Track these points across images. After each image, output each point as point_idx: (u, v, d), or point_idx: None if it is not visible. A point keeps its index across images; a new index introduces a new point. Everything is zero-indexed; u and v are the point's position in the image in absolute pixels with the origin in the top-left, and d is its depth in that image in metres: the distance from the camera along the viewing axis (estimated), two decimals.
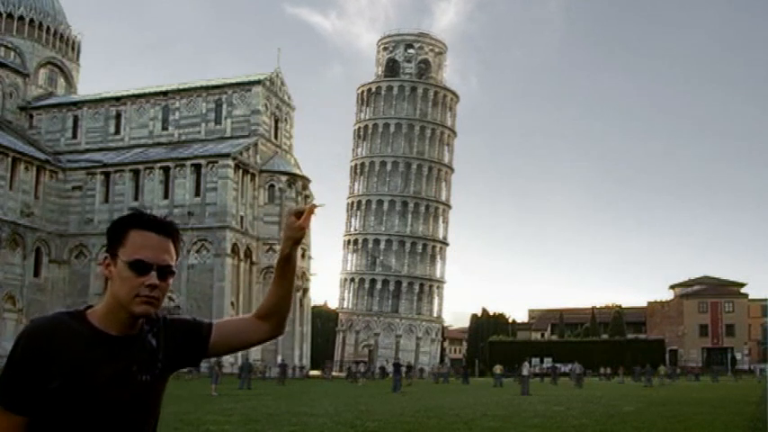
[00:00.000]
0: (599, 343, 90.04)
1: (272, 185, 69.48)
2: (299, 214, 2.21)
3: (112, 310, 2.06)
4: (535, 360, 74.87)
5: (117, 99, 74.40)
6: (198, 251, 63.59)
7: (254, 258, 67.20)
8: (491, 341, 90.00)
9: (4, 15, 76.92)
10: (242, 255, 66.01)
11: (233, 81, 71.74)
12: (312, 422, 17.18)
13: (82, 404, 1.97)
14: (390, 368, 48.79)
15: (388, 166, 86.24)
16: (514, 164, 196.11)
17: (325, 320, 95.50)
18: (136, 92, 74.47)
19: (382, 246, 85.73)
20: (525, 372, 37.68)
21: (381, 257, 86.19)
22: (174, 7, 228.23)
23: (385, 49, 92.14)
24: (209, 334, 2.22)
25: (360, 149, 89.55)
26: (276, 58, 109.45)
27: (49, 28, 79.12)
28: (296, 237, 2.21)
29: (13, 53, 76.05)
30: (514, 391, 36.23)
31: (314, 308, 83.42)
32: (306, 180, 72.08)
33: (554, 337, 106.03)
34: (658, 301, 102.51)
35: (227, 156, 65.12)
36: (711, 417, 19.70)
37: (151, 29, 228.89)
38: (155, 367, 2.11)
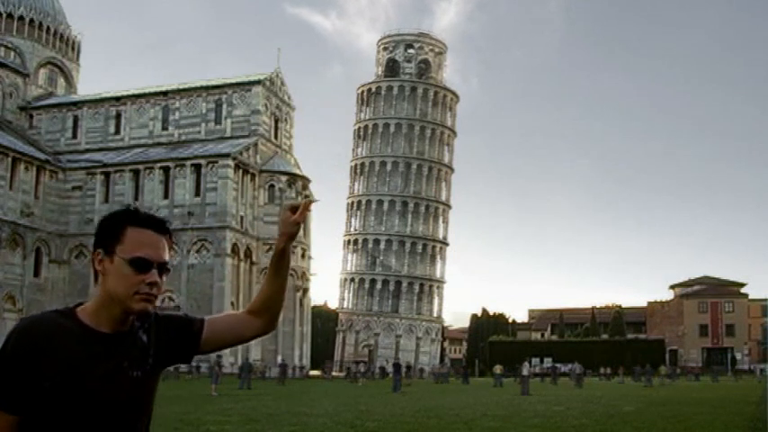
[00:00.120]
0: (599, 343, 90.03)
1: (272, 185, 69.49)
2: (294, 209, 2.22)
3: (105, 306, 2.06)
4: (535, 360, 74.85)
5: (117, 99, 74.41)
6: (198, 251, 63.61)
7: (254, 258, 67.20)
8: (491, 341, 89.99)
9: (4, 15, 76.93)
10: (242, 255, 66.02)
11: (233, 81, 71.76)
12: (312, 422, 17.18)
13: (74, 402, 1.97)
14: (390, 368, 48.79)
15: (388, 166, 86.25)
16: (514, 164, 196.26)
17: (325, 320, 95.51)
18: (136, 92, 74.48)
19: (382, 246, 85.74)
20: (525, 372, 37.67)
21: (381, 257, 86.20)
22: (174, 7, 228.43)
23: (385, 49, 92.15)
24: (201, 330, 2.21)
25: (360, 149, 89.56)
26: (276, 58, 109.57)
27: (49, 28, 79.12)
28: (291, 232, 2.21)
29: (13, 53, 76.05)
30: (514, 391, 36.23)
31: (314, 308, 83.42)
32: (306, 180, 72.09)
33: (554, 337, 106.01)
34: (658, 301, 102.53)
35: (227, 156, 65.13)
36: (711, 417, 19.70)
37: (151, 29, 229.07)
38: (146, 363, 2.09)
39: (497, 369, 48.43)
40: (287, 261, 2.24)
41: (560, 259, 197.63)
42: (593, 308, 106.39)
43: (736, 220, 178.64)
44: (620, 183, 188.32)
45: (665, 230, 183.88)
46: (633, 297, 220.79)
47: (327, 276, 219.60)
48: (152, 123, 72.57)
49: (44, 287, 65.60)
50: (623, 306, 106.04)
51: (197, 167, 65.68)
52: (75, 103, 75.79)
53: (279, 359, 59.69)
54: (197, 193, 65.21)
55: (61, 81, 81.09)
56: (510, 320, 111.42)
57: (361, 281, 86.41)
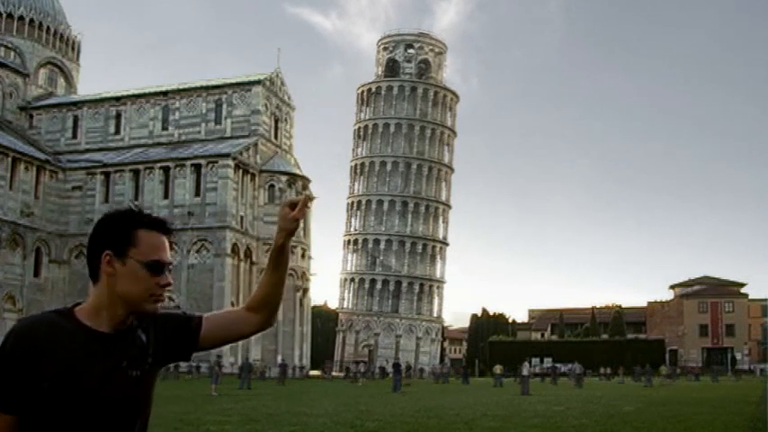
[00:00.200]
0: (599, 343, 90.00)
1: (272, 185, 69.49)
2: (293, 205, 2.22)
3: (108, 306, 2.06)
4: (535, 360, 74.80)
5: (117, 99, 74.42)
6: (198, 251, 63.62)
7: (254, 258, 67.20)
8: (491, 341, 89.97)
9: (4, 15, 76.93)
10: (242, 255, 66.03)
11: (233, 81, 71.77)
12: (312, 422, 17.18)
13: (73, 402, 1.97)
14: (390, 368, 48.79)
15: (388, 166, 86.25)
16: (514, 164, 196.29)
17: (325, 320, 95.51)
18: (136, 92, 74.49)
19: (382, 246, 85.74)
20: (525, 372, 37.65)
21: (381, 257, 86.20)
22: (174, 7, 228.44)
23: (385, 49, 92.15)
24: (199, 327, 2.21)
25: (360, 149, 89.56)
26: (276, 58, 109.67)
27: (49, 28, 79.13)
28: (290, 228, 2.21)
29: (13, 53, 76.06)
30: (514, 391, 36.22)
31: (314, 308, 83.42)
32: (306, 180, 72.08)
33: (554, 337, 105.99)
34: (658, 301, 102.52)
35: (227, 156, 65.14)
36: (711, 417, 19.70)
37: (151, 29, 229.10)
38: (145, 362, 2.10)
39: (497, 369, 48.41)
40: (286, 257, 2.25)
41: (560, 259, 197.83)
42: (593, 308, 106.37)
43: (736, 220, 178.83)
44: (620, 183, 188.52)
45: (665, 230, 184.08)
46: (633, 297, 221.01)
47: (327, 276, 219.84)
48: (152, 123, 72.58)
49: (44, 287, 65.61)
50: (623, 306, 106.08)
51: (197, 167, 65.69)
52: (75, 103, 75.80)
53: (279, 359, 59.72)
54: (197, 193, 65.22)
55: (61, 81, 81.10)
56: (510, 320, 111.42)
57: (361, 281, 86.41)
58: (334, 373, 67.45)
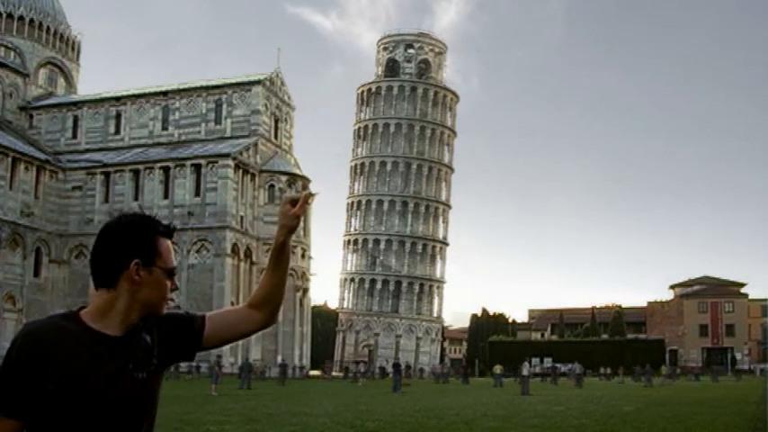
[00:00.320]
0: (599, 343, 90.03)
1: (272, 185, 69.48)
2: (294, 202, 2.23)
3: (123, 311, 2.07)
4: (535, 360, 74.82)
5: (117, 99, 74.41)
6: (198, 251, 63.61)
7: (254, 258, 67.19)
8: (491, 341, 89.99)
9: (4, 15, 76.92)
10: (242, 255, 66.02)
11: (233, 81, 71.76)
12: (312, 422, 17.17)
13: (79, 405, 1.97)
14: (390, 368, 48.79)
15: (388, 166, 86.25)
16: (514, 164, 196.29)
17: (325, 320, 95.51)
18: (136, 92, 74.48)
19: (382, 246, 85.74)
20: (525, 372, 37.65)
21: (381, 257, 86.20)
22: (174, 7, 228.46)
23: (385, 49, 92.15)
24: (203, 327, 2.22)
25: (360, 149, 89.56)
26: (276, 58, 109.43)
27: (49, 28, 79.11)
28: (291, 225, 2.22)
29: (13, 53, 76.05)
30: (514, 391, 36.22)
31: (314, 308, 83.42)
32: (306, 180, 72.05)
33: (554, 337, 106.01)
34: (658, 301, 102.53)
35: (227, 156, 65.13)
36: (711, 417, 19.70)
37: (151, 29, 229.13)
38: (150, 364, 2.10)
39: (497, 369, 48.40)
40: (287, 254, 2.25)
41: (560, 259, 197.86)
42: (593, 308, 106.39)
43: (736, 220, 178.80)
44: (621, 183, 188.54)
45: (666, 230, 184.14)
46: (633, 297, 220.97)
47: (327, 276, 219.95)
48: (152, 123, 72.57)
49: (44, 287, 65.57)
50: (623, 306, 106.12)
51: (197, 167, 65.68)
52: (75, 103, 75.78)
53: (279, 359, 59.71)
54: (197, 193, 65.20)
55: (61, 81, 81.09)
56: (510, 320, 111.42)
57: (361, 281, 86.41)
58: (334, 373, 67.44)
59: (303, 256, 71.00)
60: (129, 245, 2.07)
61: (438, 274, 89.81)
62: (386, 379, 56.71)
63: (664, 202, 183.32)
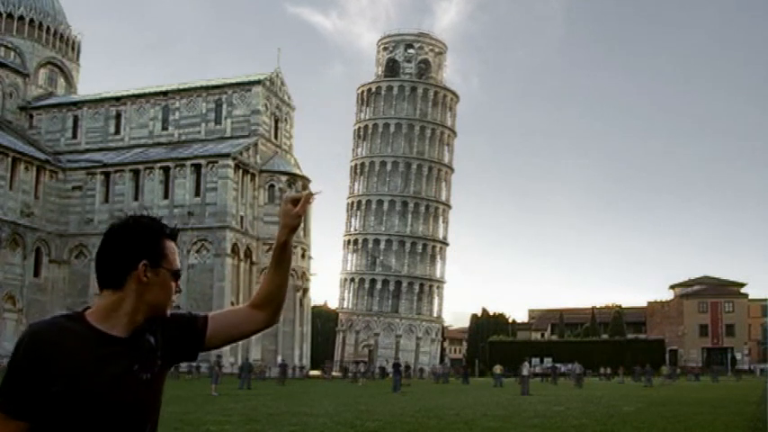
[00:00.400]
0: (599, 343, 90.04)
1: (272, 185, 69.48)
2: (295, 201, 2.24)
3: (130, 313, 2.08)
4: (535, 360, 74.82)
5: (117, 99, 74.41)
6: (198, 251, 63.60)
7: (254, 258, 67.20)
8: (491, 341, 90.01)
9: (4, 15, 76.92)
10: (242, 255, 66.02)
11: (233, 81, 71.75)
12: (312, 422, 17.17)
13: (85, 406, 1.97)
14: (390, 368, 48.79)
15: (388, 166, 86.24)
16: (515, 164, 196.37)
17: (325, 320, 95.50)
18: (136, 92, 74.48)
19: (382, 246, 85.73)
20: (525, 372, 37.65)
21: (381, 257, 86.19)
22: (174, 7, 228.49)
23: (385, 49, 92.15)
24: (205, 327, 2.22)
25: (360, 149, 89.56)
26: (276, 58, 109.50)
27: (49, 28, 79.12)
28: (293, 224, 2.23)
29: (13, 53, 76.05)
30: (514, 391, 36.23)
31: (314, 308, 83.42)
32: (306, 180, 72.03)
33: (554, 337, 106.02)
34: (658, 301, 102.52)
35: (227, 156, 65.12)
36: (711, 417, 19.70)
37: (151, 29, 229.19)
38: (154, 365, 2.11)
39: (497, 369, 48.40)
40: (289, 254, 2.26)
41: (560, 259, 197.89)
42: (593, 308, 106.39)
43: (736, 220, 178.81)
44: (621, 183, 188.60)
45: (665, 230, 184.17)
46: (633, 297, 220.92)
47: (327, 276, 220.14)
48: (152, 123, 72.57)
49: (44, 287, 65.55)
50: (623, 306, 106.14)
51: (197, 167, 65.67)
52: (75, 103, 75.78)
53: (279, 359, 59.70)
54: (197, 193, 65.20)
55: (61, 81, 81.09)
56: (510, 320, 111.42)
57: (361, 281, 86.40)
58: (334, 373, 67.44)
59: (303, 256, 71.00)
60: (138, 246, 2.09)
61: (438, 274, 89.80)
62: (386, 379, 56.71)
63: (664, 202, 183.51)
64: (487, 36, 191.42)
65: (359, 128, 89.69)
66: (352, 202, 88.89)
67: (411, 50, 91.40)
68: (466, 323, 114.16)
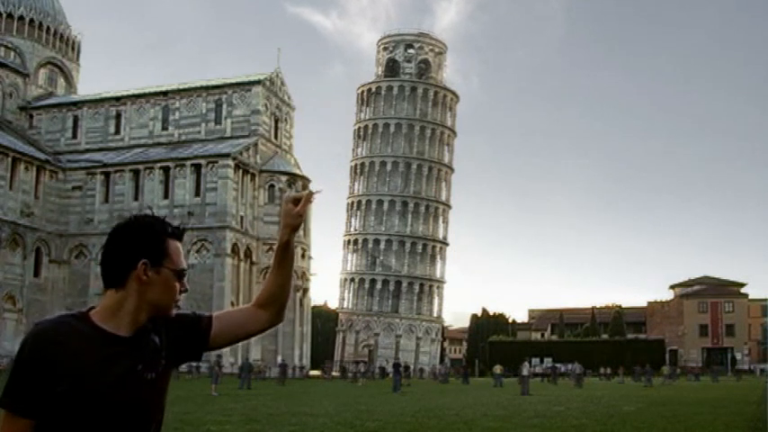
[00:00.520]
0: (599, 343, 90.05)
1: (272, 185, 69.49)
2: (296, 201, 2.24)
3: (132, 312, 2.08)
4: (535, 360, 74.82)
5: (117, 99, 74.40)
6: (198, 251, 63.58)
7: (254, 258, 67.20)
8: (491, 341, 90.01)
9: (4, 15, 76.92)
10: (242, 255, 66.02)
11: (233, 81, 71.75)
12: (312, 422, 17.17)
13: (89, 406, 1.98)
14: (390, 368, 48.80)
15: (388, 166, 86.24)
16: (515, 164, 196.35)
17: (325, 320, 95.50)
18: (136, 92, 74.48)
19: (382, 246, 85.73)
20: (525, 372, 37.65)
21: (381, 257, 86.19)
22: (174, 7, 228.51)
23: (385, 49, 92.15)
24: (210, 327, 2.23)
25: (360, 149, 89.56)
26: (276, 58, 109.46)
27: (49, 28, 79.11)
28: (294, 224, 2.24)
29: (13, 53, 76.04)
30: (514, 391, 36.23)
31: (314, 308, 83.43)
32: (306, 180, 72.03)
33: (554, 337, 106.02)
34: (658, 301, 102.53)
35: (227, 156, 65.13)
36: (711, 417, 19.70)
37: (151, 29, 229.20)
38: (159, 365, 2.12)
39: (497, 369, 48.39)
40: (291, 253, 2.28)
41: (560, 259, 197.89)
42: (593, 308, 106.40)
43: (736, 220, 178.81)
44: (621, 183, 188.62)
45: (665, 230, 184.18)
46: (633, 297, 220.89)
47: (327, 276, 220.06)
48: (152, 123, 72.57)
49: (44, 287, 65.55)
50: (623, 306, 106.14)
51: (197, 167, 65.68)
52: (75, 103, 75.78)
53: (279, 359, 59.69)
54: (197, 193, 65.20)
55: (61, 81, 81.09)
56: (510, 320, 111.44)
57: (361, 281, 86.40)
58: (334, 374, 67.44)
59: (303, 256, 71.00)
60: (138, 245, 2.09)
61: (438, 274, 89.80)
62: (386, 379, 56.71)
63: (664, 202, 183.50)
64: (487, 36, 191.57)
65: (359, 128, 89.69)
66: (352, 202, 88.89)
67: (411, 50, 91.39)
68: (466, 323, 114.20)
